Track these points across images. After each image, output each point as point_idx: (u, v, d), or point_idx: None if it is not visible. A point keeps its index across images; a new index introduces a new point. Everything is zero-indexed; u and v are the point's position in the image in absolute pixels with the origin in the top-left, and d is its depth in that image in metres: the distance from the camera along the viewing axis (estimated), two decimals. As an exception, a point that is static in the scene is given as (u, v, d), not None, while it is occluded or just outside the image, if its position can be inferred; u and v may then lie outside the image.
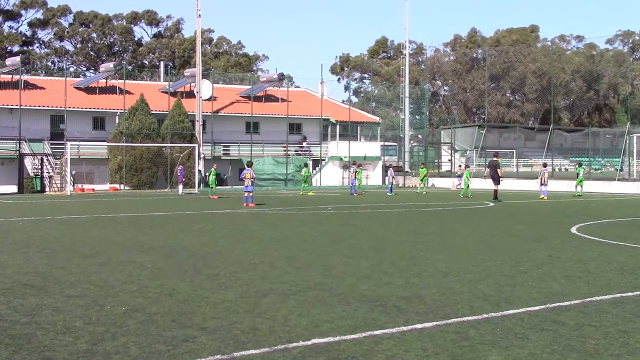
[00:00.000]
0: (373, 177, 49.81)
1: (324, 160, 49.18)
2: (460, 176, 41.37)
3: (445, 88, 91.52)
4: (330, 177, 48.44)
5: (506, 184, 41.72)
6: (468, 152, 60.97)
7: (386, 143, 55.91)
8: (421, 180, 39.24)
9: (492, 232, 15.66)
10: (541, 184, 31.20)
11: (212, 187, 31.59)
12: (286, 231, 15.76)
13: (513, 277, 9.03)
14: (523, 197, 32.63)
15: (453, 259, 10.86)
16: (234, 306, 7.17)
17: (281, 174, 46.37)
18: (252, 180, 25.10)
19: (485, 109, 66.81)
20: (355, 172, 36.76)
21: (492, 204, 26.17)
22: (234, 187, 41.55)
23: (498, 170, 27.68)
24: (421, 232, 15.53)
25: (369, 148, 50.95)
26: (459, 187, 40.54)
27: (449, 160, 55.49)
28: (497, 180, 27.60)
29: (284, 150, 47.88)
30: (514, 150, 57.84)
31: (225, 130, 46.79)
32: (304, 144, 50.51)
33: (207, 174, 34.02)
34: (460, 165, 46.06)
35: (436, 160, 56.48)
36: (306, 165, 39.92)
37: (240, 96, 51.98)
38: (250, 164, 26.37)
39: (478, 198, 29.96)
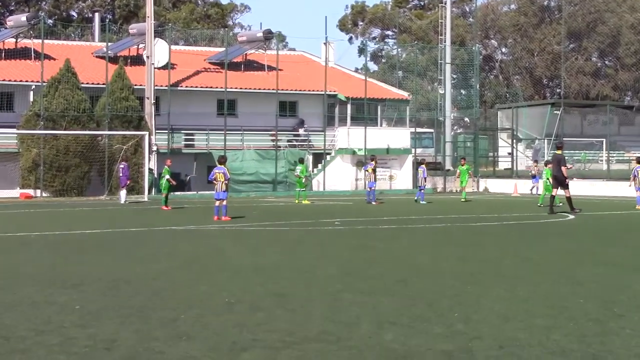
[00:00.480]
0: (400, 177, 49.82)
1: (329, 154, 49.22)
2: (536, 177, 41.11)
3: (504, 50, 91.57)
4: (339, 178, 48.47)
5: (593, 188, 41.73)
6: (537, 141, 61.08)
7: (419, 129, 55.94)
8: (461, 182, 39.16)
9: (574, 257, 15.67)
10: (636, 188, 31.12)
11: (164, 194, 31.57)
12: (275, 257, 15.77)
13: (604, 323, 9.01)
14: (618, 206, 32.60)
15: (516, 296, 10.86)
16: (199, 366, 7.12)
17: (268, 174, 46.39)
18: (225, 183, 25.10)
19: (562, 80, 66.76)
20: (374, 170, 36.83)
21: (571, 216, 26.15)
22: (199, 192, 41.51)
23: (563, 167, 27.13)
24: (470, 258, 15.50)
25: (394, 137, 50.98)
26: (538, 192, 40.00)
27: (509, 153, 55.51)
28: (561, 182, 27.07)
29: (272, 141, 47.90)
30: (604, 140, 57.84)
31: (189, 111, 46.82)
32: (301, 130, 50.56)
33: (161, 173, 34.03)
34: (536, 161, 45.72)
35: (491, 154, 56.50)
36: (302, 161, 39.83)
37: (210, 63, 52.07)
38: (223, 160, 26.34)
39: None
